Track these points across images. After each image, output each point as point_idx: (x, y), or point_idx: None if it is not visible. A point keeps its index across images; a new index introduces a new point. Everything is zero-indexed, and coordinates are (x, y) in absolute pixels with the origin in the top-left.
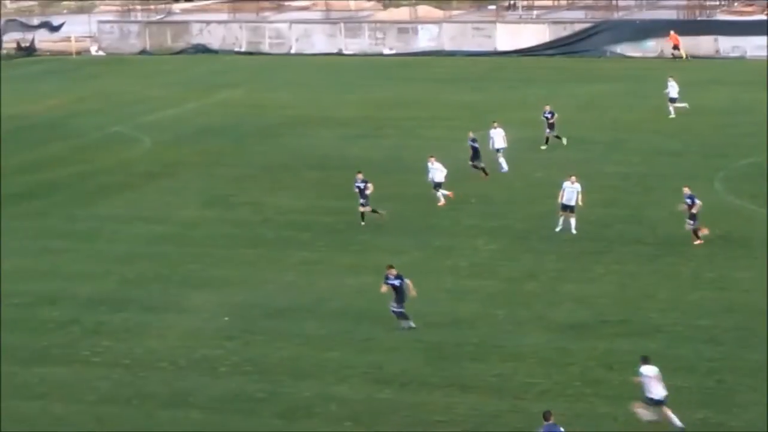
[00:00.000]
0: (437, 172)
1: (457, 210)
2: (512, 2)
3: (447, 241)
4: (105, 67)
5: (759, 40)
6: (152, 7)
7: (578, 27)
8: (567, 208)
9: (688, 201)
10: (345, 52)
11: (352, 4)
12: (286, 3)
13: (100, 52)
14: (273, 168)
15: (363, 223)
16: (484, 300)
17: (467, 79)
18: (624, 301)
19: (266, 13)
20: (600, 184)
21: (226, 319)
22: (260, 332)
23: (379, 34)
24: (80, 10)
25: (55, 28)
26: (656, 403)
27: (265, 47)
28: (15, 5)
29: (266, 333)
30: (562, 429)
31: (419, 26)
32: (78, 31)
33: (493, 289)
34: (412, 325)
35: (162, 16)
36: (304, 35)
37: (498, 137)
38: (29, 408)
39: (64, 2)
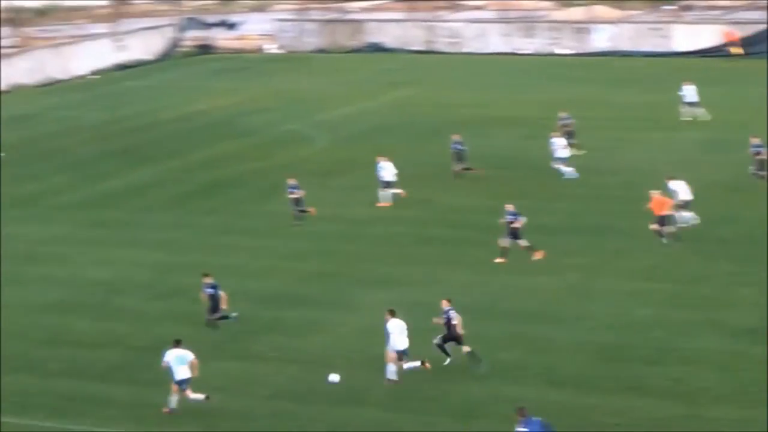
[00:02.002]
0: (386, 171)
1: (634, 211)
2: (690, 2)
3: (622, 243)
4: (281, 65)
5: None
6: (328, 5)
7: (758, 27)
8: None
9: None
10: (519, 51)
11: (528, 4)
12: (461, 2)
13: (277, 50)
14: (446, 167)
15: None
16: (659, 302)
17: (643, 80)
18: None
19: (441, 12)
20: None
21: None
22: (435, 331)
23: (555, 34)
24: (258, 9)
25: (232, 26)
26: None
27: (440, 46)
28: (194, 4)
29: (439, 332)
30: (539, 419)
31: (595, 26)
32: (255, 30)
33: (668, 291)
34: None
35: (338, 14)
36: (479, 34)
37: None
38: (206, 402)
39: (242, 1)
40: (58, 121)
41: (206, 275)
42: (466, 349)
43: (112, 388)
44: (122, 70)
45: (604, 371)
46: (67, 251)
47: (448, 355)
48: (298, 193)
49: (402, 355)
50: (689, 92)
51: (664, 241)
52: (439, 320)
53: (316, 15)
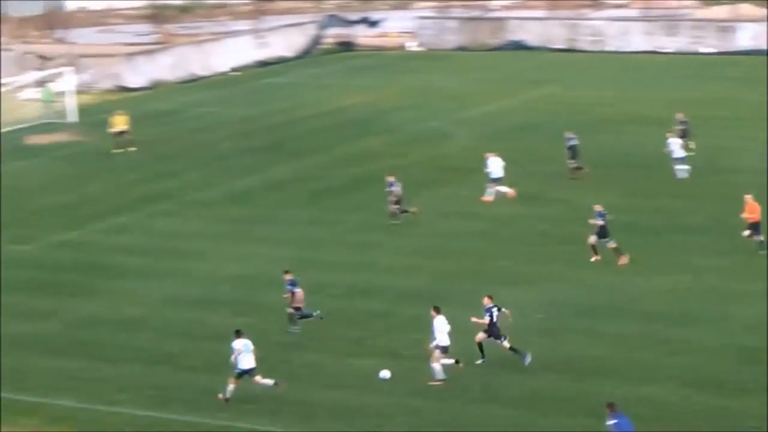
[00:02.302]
0: (495, 166)
1: None
2: None
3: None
4: (422, 63)
5: None
6: (470, 3)
7: None
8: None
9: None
10: (662, 50)
11: (671, 2)
12: (605, 0)
13: (418, 48)
14: (587, 165)
15: None
16: None
17: None
18: None
19: (584, 11)
20: None
21: (539, 316)
22: (572, 330)
23: (698, 33)
24: (399, 6)
25: (374, 24)
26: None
27: (582, 44)
28: (335, 1)
29: (578, 331)
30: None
31: (739, 25)
32: (396, 27)
33: None
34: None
35: (480, 12)
36: (622, 33)
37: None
38: (343, 398)
39: None
40: (199, 118)
41: (287, 272)
42: (506, 344)
43: (249, 384)
44: (263, 67)
45: (744, 374)
46: (206, 246)
47: (483, 354)
48: (395, 191)
49: (444, 351)
50: None
51: (760, 252)
52: (480, 320)
53: (457, 12)
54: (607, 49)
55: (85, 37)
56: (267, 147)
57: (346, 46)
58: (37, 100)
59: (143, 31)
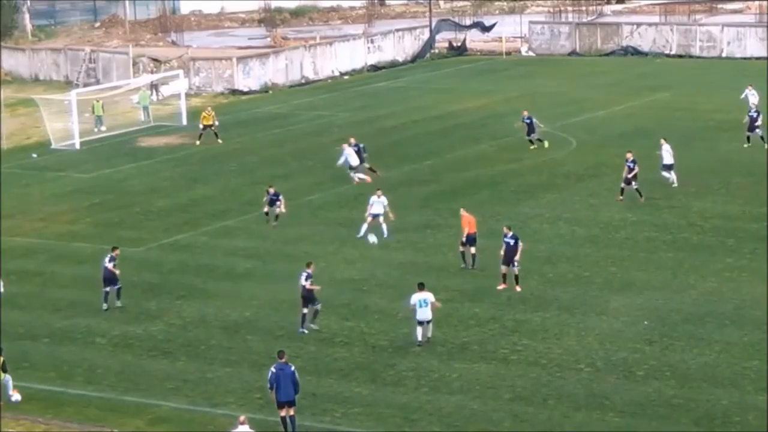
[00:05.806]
0: (351, 156)
1: None
2: None
3: None
4: (534, 68)
5: None
6: (583, 8)
7: None
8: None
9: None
10: None
11: None
12: (719, 6)
13: (530, 53)
14: (700, 172)
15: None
16: None
17: None
18: None
19: (698, 16)
20: None
21: (646, 322)
22: (680, 337)
23: None
24: (511, 11)
25: (486, 29)
26: None
27: (696, 50)
28: (448, 5)
29: (686, 338)
30: (293, 367)
31: None
32: (509, 32)
33: None
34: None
35: (593, 17)
36: (736, 38)
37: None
38: (446, 403)
39: (497, 3)
40: (310, 121)
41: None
42: None
43: (353, 387)
44: (375, 71)
45: None
46: (315, 250)
47: None
48: (279, 204)
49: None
50: (752, 96)
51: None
52: None
53: (570, 17)
54: (721, 55)
55: (198, 41)
56: (378, 151)
57: (458, 50)
58: (136, 105)
59: (256, 34)
